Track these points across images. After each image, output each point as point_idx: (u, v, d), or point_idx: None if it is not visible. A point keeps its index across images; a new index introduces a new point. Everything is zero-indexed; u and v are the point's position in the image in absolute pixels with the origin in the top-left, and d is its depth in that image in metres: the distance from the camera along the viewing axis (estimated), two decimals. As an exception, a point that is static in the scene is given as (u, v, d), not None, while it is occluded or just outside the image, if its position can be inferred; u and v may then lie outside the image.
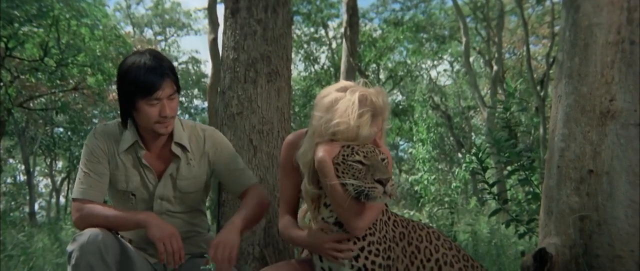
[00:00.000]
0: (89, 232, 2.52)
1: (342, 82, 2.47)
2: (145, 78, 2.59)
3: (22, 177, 28.92)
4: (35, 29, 15.08)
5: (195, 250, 2.99)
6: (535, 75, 20.01)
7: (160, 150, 2.88)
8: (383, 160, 2.26)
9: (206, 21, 13.83)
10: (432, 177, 10.97)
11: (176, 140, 2.84)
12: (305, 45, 25.59)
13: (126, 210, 2.78)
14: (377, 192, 2.15)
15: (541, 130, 18.46)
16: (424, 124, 12.23)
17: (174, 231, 2.61)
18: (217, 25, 12.81)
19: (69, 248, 2.54)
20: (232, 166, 3.00)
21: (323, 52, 26.17)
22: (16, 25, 14.20)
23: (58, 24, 14.95)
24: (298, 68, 26.73)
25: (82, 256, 2.47)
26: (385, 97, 2.38)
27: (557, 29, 18.13)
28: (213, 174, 3.04)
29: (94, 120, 24.74)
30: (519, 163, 4.19)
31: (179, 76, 2.78)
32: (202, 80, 32.66)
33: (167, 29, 33.96)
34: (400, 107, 26.00)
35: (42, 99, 20.73)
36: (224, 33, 4.26)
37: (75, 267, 2.47)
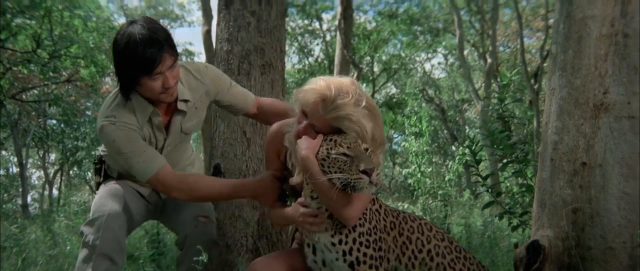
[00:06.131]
0: (106, 224, 2.74)
1: None
2: (144, 55, 2.57)
3: (14, 169, 28.79)
4: (28, 21, 14.99)
5: (198, 172, 3.28)
6: (529, 68, 20.03)
7: (165, 108, 2.93)
8: (366, 149, 2.26)
9: (200, 13, 13.79)
10: (429, 170, 10.98)
11: (181, 98, 2.89)
12: (299, 38, 25.52)
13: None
14: (362, 182, 2.16)
15: (535, 123, 18.48)
16: (425, 117, 12.23)
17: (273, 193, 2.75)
18: (211, 17, 12.76)
19: (86, 230, 2.76)
20: (234, 90, 3.14)
21: (317, 45, 26.11)
22: (9, 16, 14.11)
23: (51, 15, 14.87)
24: (292, 61, 26.68)
25: (104, 245, 2.71)
26: (347, 117, 2.30)
27: (551, 22, 18.15)
28: (214, 103, 3.18)
29: (87, 112, 24.62)
30: (512, 156, 4.19)
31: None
32: (196, 72, 32.48)
33: (161, 21, 33.82)
34: (395, 99, 25.98)
35: (35, 91, 20.63)
36: (218, 25, 4.25)
37: (97, 256, 2.69)
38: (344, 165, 2.21)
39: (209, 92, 3.02)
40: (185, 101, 2.92)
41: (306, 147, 2.30)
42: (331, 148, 2.25)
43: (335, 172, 2.22)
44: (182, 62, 2.99)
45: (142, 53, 2.56)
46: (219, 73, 3.11)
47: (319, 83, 2.34)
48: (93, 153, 25.56)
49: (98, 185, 3.19)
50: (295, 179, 2.40)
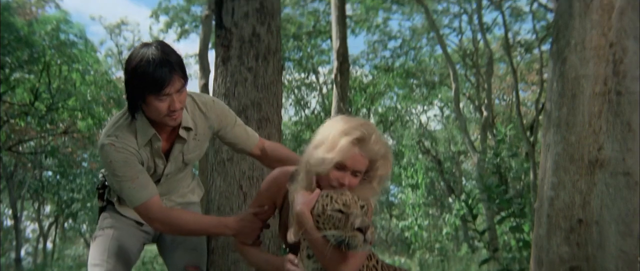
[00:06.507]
0: None
1: None
2: (154, 74, 2.57)
3: (9, 222, 28.57)
4: (27, 75, 15.13)
5: (198, 200, 3.34)
6: (524, 121, 20.17)
7: (168, 134, 2.92)
8: (362, 207, 2.25)
9: (197, 67, 13.90)
10: (425, 223, 10.93)
11: (184, 124, 2.88)
12: (295, 90, 25.71)
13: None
14: (357, 240, 2.14)
15: (531, 176, 18.49)
16: (421, 169, 12.21)
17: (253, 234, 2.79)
18: (208, 71, 12.86)
19: None
20: (237, 130, 3.12)
21: (314, 97, 26.30)
22: (7, 71, 14.23)
23: (49, 70, 15.00)
24: (288, 113, 26.82)
25: None
26: (382, 147, 2.36)
27: (545, 75, 18.35)
28: (216, 136, 3.18)
29: (84, 164, 24.59)
30: (509, 210, 4.18)
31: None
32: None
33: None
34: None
35: (31, 143, 20.64)
36: (215, 80, 4.28)
37: None
38: (339, 222, 2.19)
39: (212, 126, 3.04)
40: (187, 129, 2.92)
41: (302, 202, 2.28)
42: (327, 205, 2.23)
43: (330, 229, 2.21)
44: (191, 92, 3.00)
45: (152, 72, 2.57)
46: (225, 110, 3.11)
47: (345, 129, 2.33)
48: (88, 204, 25.45)
49: (100, 210, 3.22)
50: (291, 237, 2.38)
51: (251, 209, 2.76)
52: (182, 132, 2.89)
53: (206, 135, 3.04)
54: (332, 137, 2.34)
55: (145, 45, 2.68)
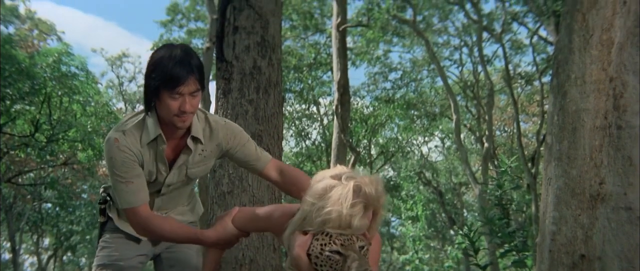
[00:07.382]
0: None
1: (337, 168, 2.41)
2: (171, 71, 2.59)
3: (7, 255, 28.35)
4: (28, 107, 15.17)
5: (196, 219, 3.31)
6: (526, 152, 20.16)
7: (177, 141, 2.90)
8: (361, 247, 2.20)
9: (198, 98, 13.93)
10: (426, 256, 10.83)
11: (193, 133, 2.86)
12: (296, 122, 25.76)
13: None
14: None
15: (533, 208, 18.42)
16: (420, 201, 12.11)
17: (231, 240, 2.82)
18: (209, 102, 12.90)
19: None
20: (247, 149, 3.06)
21: (314, 129, 26.34)
22: (8, 102, 14.27)
23: (50, 101, 15.04)
24: (289, 144, 26.83)
25: None
26: (379, 186, 2.31)
27: (546, 107, 18.39)
28: (225, 156, 3.13)
29: (83, 195, 24.51)
30: (511, 244, 4.15)
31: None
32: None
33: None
34: (392, 183, 25.99)
35: (31, 174, 20.61)
36: (216, 112, 4.29)
37: None
38: (336, 265, 2.14)
39: (220, 145, 3.01)
40: (196, 140, 2.90)
41: (298, 244, 2.24)
42: (325, 244, 2.18)
43: None
44: (205, 110, 3.03)
45: (171, 69, 2.59)
46: (236, 130, 3.07)
47: (349, 213, 2.27)
48: (88, 237, 25.32)
49: (101, 226, 3.21)
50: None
51: (236, 224, 2.74)
52: (189, 142, 2.88)
53: (213, 153, 3.01)
54: (343, 219, 2.22)
55: (170, 45, 2.73)
